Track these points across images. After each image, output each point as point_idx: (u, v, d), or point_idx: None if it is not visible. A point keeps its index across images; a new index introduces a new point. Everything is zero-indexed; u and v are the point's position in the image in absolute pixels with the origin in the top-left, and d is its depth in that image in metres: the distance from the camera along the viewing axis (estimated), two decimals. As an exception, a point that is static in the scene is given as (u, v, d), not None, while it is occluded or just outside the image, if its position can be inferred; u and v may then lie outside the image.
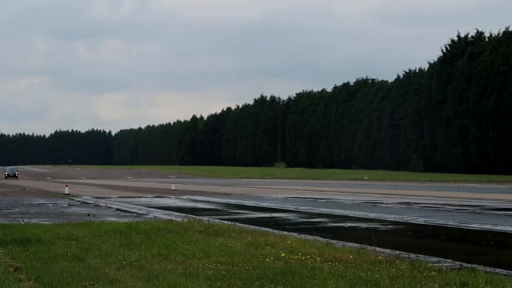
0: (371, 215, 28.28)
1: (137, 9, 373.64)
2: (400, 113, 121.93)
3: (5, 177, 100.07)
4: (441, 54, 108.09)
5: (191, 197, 45.18)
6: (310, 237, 19.08)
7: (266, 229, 21.55)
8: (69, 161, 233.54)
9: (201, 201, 40.80)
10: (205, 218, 25.08)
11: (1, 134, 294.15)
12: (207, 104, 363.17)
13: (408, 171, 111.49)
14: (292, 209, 32.55)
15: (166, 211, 31.48)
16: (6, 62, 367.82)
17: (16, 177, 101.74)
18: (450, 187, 61.85)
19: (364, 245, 16.95)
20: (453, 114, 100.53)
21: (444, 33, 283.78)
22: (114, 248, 16.01)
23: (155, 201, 41.10)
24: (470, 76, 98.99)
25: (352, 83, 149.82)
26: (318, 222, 25.92)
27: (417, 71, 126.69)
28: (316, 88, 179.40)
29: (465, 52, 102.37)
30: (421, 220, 25.57)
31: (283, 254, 14.72)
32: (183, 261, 14.02)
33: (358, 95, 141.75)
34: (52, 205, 35.23)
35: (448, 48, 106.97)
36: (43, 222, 23.65)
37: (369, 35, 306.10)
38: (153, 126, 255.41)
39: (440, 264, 14.14)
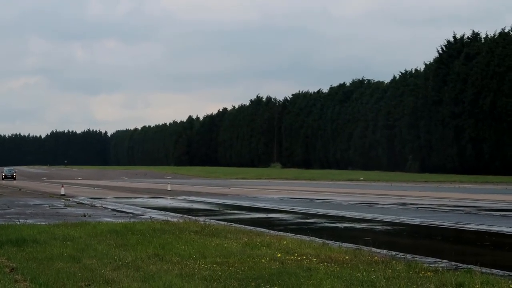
0: (367, 215, 28.29)
1: (133, 10, 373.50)
2: (396, 114, 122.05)
3: (2, 178, 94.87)
4: (437, 55, 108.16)
5: (187, 197, 45.16)
6: (306, 238, 19.09)
7: (262, 229, 21.55)
8: (65, 161, 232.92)
9: (197, 202, 40.77)
10: (201, 219, 25.08)
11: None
12: (203, 105, 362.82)
13: (404, 171, 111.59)
14: (288, 210, 32.56)
15: (162, 211, 31.46)
16: (2, 62, 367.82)
17: (14, 178, 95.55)
18: (446, 187, 61.87)
19: (360, 246, 16.96)
20: (449, 114, 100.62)
21: (440, 34, 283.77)
22: (110, 249, 16.00)
23: (151, 201, 41.06)
24: (466, 77, 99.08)
25: (348, 84, 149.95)
26: (314, 222, 25.92)
27: (413, 72, 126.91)
28: (312, 89, 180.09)
29: (461, 53, 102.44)
30: (417, 221, 25.58)
31: (279, 255, 14.72)
32: (179, 261, 14.01)
33: (354, 95, 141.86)
34: (48, 205, 35.15)
35: (444, 49, 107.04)
36: (39, 223, 23.61)
37: (365, 36, 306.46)
38: (149, 126, 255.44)
39: (436, 265, 14.16)
